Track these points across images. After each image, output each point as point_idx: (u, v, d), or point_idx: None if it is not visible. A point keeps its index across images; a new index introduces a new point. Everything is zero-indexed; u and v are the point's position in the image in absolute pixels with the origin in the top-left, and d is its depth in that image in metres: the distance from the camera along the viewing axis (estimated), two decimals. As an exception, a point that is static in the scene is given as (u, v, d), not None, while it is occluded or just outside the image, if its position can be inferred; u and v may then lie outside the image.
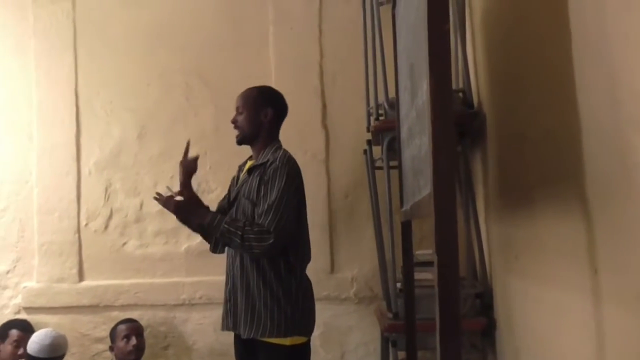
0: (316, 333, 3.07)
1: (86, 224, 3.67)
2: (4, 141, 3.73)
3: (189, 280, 3.60)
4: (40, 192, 3.68)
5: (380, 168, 3.00)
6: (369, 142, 3.11)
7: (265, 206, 2.36)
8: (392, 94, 2.70)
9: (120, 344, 3.30)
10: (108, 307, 3.60)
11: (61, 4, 3.73)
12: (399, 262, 2.64)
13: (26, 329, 3.42)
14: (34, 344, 3.17)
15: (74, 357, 3.56)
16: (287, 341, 2.39)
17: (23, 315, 3.60)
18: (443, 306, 1.21)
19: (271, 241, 2.31)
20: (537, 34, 1.93)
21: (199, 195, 2.68)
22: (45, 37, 3.73)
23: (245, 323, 2.42)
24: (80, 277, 3.64)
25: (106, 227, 3.67)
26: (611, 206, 1.41)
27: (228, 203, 2.64)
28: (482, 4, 2.74)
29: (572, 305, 1.70)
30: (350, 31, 3.52)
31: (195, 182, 2.65)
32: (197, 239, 3.49)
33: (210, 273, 3.46)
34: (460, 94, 2.86)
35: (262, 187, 2.41)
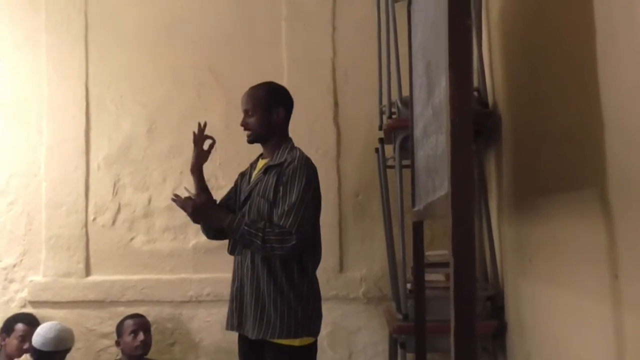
0: (324, 333, 3.05)
1: (94, 219, 3.66)
2: (13, 134, 3.73)
3: (196, 277, 3.58)
4: (48, 186, 3.67)
5: (392, 167, 2.97)
6: (381, 141, 3.08)
7: (286, 207, 2.34)
8: (405, 92, 2.67)
9: (128, 339, 3.28)
10: (114, 303, 3.58)
11: (73, -2, 3.72)
12: (409, 262, 2.61)
13: (32, 323, 3.40)
14: (38, 336, 3.15)
15: (79, 352, 3.55)
16: (296, 342, 2.38)
17: (29, 309, 3.59)
18: (459, 309, 1.17)
19: (293, 242, 2.30)
20: (558, 29, 1.88)
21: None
22: (56, 31, 3.72)
23: (253, 324, 2.40)
24: (87, 271, 3.63)
25: (114, 222, 3.65)
26: (635, 209, 1.36)
27: (238, 201, 2.60)
28: (499, 2, 2.69)
29: (590, 311, 1.65)
30: (364, 28, 3.48)
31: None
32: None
33: (218, 270, 3.44)
34: (475, 93, 2.82)
35: (281, 188, 2.39)
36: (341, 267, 3.49)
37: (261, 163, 2.59)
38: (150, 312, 3.50)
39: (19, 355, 3.21)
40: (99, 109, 3.70)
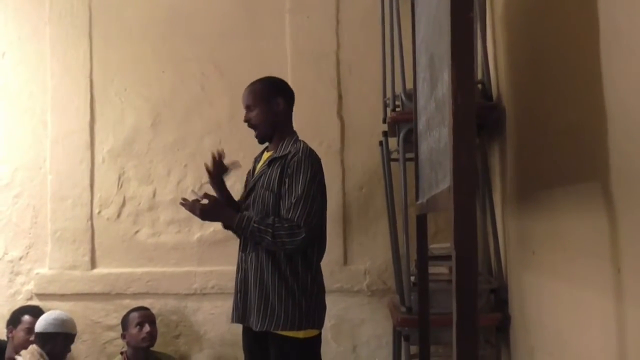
0: (328, 325, 3.06)
1: (99, 212, 3.67)
2: (18, 127, 3.73)
3: (201, 269, 3.59)
4: (53, 179, 3.68)
5: (396, 160, 2.97)
6: (384, 134, 3.08)
7: (293, 200, 2.35)
8: (409, 85, 2.66)
9: (133, 331, 3.30)
10: (120, 295, 3.60)
11: (77, -10, 3.72)
12: (413, 255, 2.61)
13: (38, 315, 3.41)
14: (39, 321, 3.24)
15: (85, 344, 3.57)
16: (300, 334, 2.38)
17: (35, 302, 3.60)
18: (460, 302, 1.18)
19: (303, 235, 2.32)
20: (562, 23, 1.88)
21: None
22: (60, 23, 3.72)
23: (257, 316, 2.41)
24: (93, 264, 3.65)
25: (119, 215, 3.67)
26: (638, 204, 1.36)
27: (245, 194, 2.62)
28: (504, -6, 2.69)
29: (592, 304, 1.66)
30: (368, 21, 3.48)
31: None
32: (210, 228, 3.51)
33: (222, 263, 3.46)
34: (479, 86, 2.82)
35: (286, 180, 2.40)
36: (345, 260, 3.50)
37: (265, 155, 2.60)
38: (155, 305, 3.52)
39: (26, 347, 3.23)
40: (104, 101, 3.71)
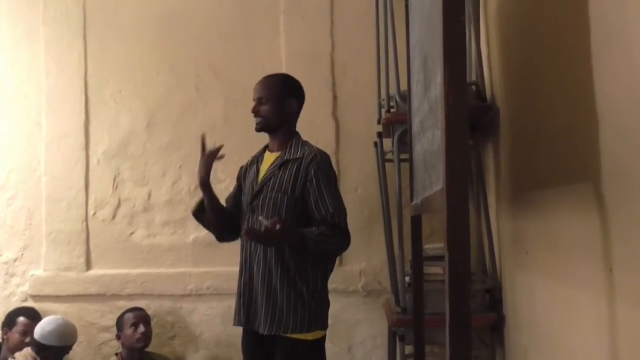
0: (324, 326, 3.06)
1: (94, 213, 3.67)
2: (13, 129, 3.72)
3: (196, 270, 3.59)
4: (48, 181, 3.67)
5: (391, 161, 2.98)
6: (379, 135, 3.09)
7: (330, 206, 2.37)
8: (404, 86, 2.67)
9: (128, 331, 3.29)
10: (115, 296, 3.60)
11: (71, -9, 3.72)
12: (408, 256, 2.62)
13: (33, 316, 3.42)
14: (38, 328, 3.20)
15: (80, 345, 3.56)
16: (309, 336, 2.37)
17: (30, 303, 3.60)
18: (453, 303, 1.18)
19: (349, 237, 2.40)
20: (555, 26, 1.89)
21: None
22: (55, 24, 3.71)
23: (265, 319, 2.37)
24: (88, 266, 3.64)
25: (114, 216, 3.66)
26: (629, 204, 1.37)
27: (248, 194, 2.53)
28: (497, -5, 2.70)
29: (585, 303, 1.67)
30: (362, 22, 3.48)
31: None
32: (205, 229, 3.51)
33: (217, 264, 3.46)
34: (473, 87, 2.83)
35: (312, 185, 2.38)
36: (340, 260, 3.49)
37: (270, 156, 2.53)
38: (150, 306, 3.52)
39: (21, 349, 3.23)
40: (98, 103, 3.70)
